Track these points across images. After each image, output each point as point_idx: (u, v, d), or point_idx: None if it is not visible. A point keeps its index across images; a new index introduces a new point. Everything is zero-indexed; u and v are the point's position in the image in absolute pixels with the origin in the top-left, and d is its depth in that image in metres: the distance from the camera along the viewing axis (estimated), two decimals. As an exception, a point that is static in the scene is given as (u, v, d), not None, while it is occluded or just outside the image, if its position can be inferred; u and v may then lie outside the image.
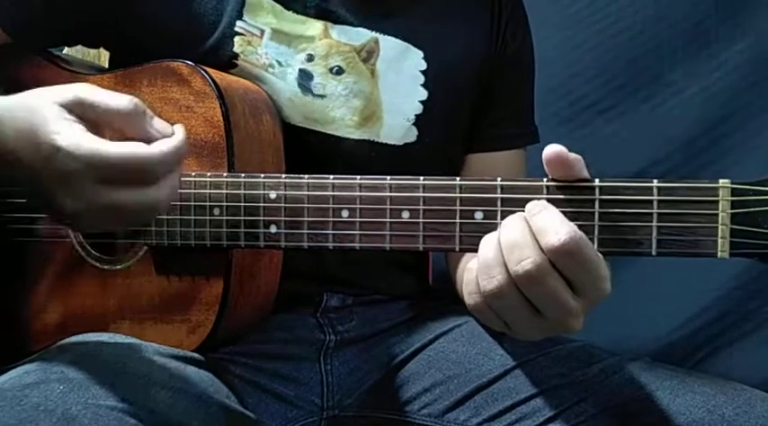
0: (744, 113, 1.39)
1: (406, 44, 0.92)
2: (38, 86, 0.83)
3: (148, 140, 0.66)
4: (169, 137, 0.67)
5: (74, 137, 0.63)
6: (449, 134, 0.96)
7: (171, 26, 0.87)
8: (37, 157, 0.63)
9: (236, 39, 0.87)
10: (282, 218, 0.73)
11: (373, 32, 0.91)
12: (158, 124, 0.68)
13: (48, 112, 0.64)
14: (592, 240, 0.63)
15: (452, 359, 0.86)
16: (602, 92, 1.41)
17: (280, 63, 0.88)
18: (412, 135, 0.92)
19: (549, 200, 0.66)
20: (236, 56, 0.87)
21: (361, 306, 0.92)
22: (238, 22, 0.87)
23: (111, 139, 0.65)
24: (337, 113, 0.89)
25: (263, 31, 0.88)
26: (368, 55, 0.90)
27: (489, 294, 0.62)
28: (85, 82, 0.82)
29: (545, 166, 0.64)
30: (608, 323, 1.34)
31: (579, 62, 1.42)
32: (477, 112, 0.98)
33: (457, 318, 0.92)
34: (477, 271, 0.63)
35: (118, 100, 0.66)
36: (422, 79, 0.92)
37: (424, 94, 0.92)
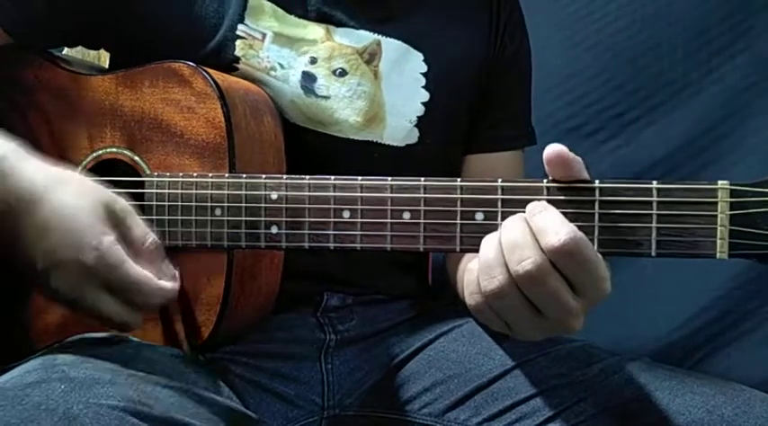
0: (743, 113, 1.39)
1: (406, 46, 0.93)
2: (38, 87, 0.84)
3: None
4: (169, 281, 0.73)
5: (111, 243, 0.68)
6: (449, 135, 0.96)
7: (172, 28, 0.87)
8: (67, 243, 0.67)
9: (238, 42, 0.87)
10: (284, 219, 0.74)
11: (375, 35, 0.91)
12: (168, 268, 0.74)
13: (94, 210, 0.69)
14: (592, 241, 0.64)
15: (452, 358, 0.86)
16: (601, 91, 1.41)
17: (282, 65, 0.88)
18: (413, 136, 0.92)
19: (549, 201, 0.66)
20: (237, 59, 0.87)
21: (362, 305, 0.93)
22: (240, 26, 0.87)
23: None
24: (341, 115, 0.89)
25: (264, 35, 0.88)
26: (370, 57, 0.91)
27: (490, 294, 0.63)
28: (88, 83, 0.83)
29: (545, 165, 0.64)
30: (608, 323, 1.34)
31: (578, 61, 1.42)
32: (475, 114, 0.98)
33: (457, 318, 0.92)
34: (479, 272, 0.64)
35: (149, 233, 0.72)
36: (423, 81, 0.93)
37: (425, 96, 0.93)
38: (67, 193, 0.69)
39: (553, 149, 0.63)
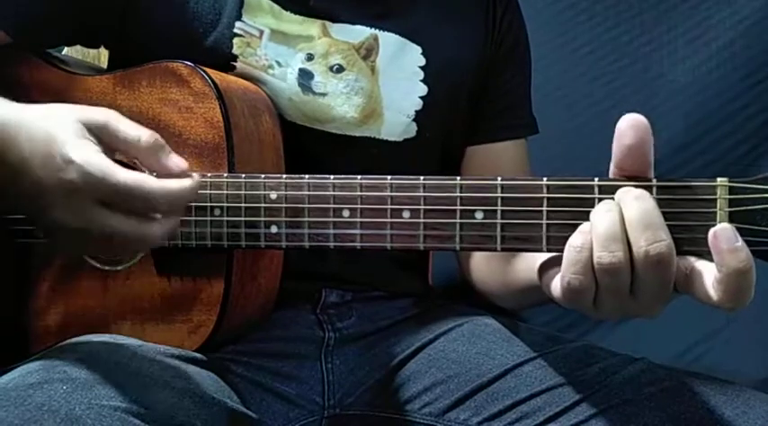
0: (743, 113, 1.39)
1: (404, 40, 0.93)
2: (37, 87, 0.84)
3: (162, 175, 0.68)
4: (182, 177, 0.68)
5: (88, 154, 0.64)
6: (448, 129, 0.97)
7: (168, 26, 0.87)
8: (47, 167, 0.64)
9: (235, 40, 0.87)
10: (283, 218, 0.74)
11: (372, 29, 0.91)
12: (173, 161, 0.69)
13: (69, 127, 0.65)
14: None
15: (453, 358, 0.86)
16: (601, 92, 1.41)
17: (279, 63, 0.88)
18: (411, 131, 0.93)
19: (548, 200, 0.66)
20: (234, 57, 0.87)
21: (361, 302, 0.93)
22: (237, 23, 0.87)
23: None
24: (339, 111, 0.89)
25: (262, 32, 0.88)
26: (367, 52, 0.91)
27: (607, 268, 0.61)
28: (85, 83, 0.83)
29: (621, 137, 0.62)
30: (605, 322, 1.35)
31: (580, 64, 1.42)
32: (475, 105, 0.98)
33: (457, 318, 0.92)
34: (594, 245, 0.62)
35: (140, 131, 0.68)
36: (421, 75, 0.93)
37: (423, 90, 0.93)
38: (38, 119, 0.66)
39: (628, 116, 0.62)
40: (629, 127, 0.62)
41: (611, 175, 0.66)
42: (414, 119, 0.93)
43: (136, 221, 0.66)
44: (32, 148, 0.65)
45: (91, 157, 0.64)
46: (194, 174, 0.69)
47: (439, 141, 0.96)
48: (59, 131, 0.65)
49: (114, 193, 0.64)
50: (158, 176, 0.67)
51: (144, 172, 0.68)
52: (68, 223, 0.65)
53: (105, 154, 0.66)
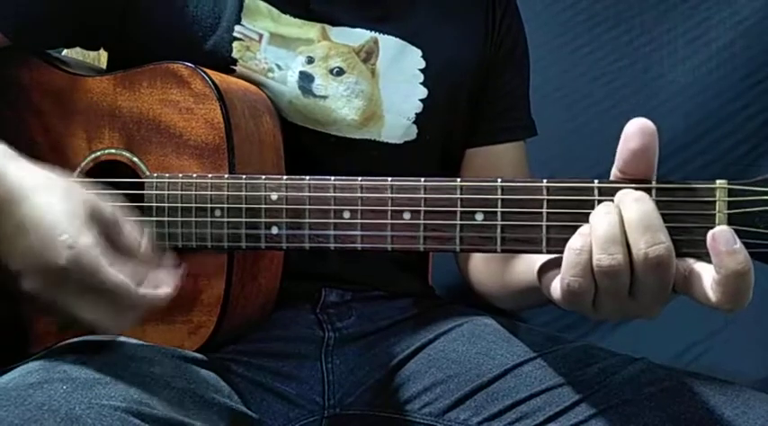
0: (743, 113, 1.39)
1: (404, 43, 0.93)
2: (37, 88, 0.84)
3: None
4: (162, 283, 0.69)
5: (87, 246, 0.64)
6: (448, 131, 0.97)
7: (168, 29, 0.87)
8: (43, 242, 0.64)
9: (235, 44, 0.87)
10: (284, 220, 0.74)
11: (372, 32, 0.91)
12: (162, 275, 0.70)
13: (78, 211, 0.66)
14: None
15: (453, 358, 0.86)
16: (601, 92, 1.42)
17: (279, 67, 0.88)
18: (412, 133, 0.93)
19: (548, 202, 0.66)
20: (234, 61, 0.87)
21: (360, 301, 0.93)
22: (237, 27, 0.87)
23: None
24: (339, 114, 0.89)
25: (261, 36, 0.88)
26: (367, 55, 0.91)
27: (606, 271, 0.61)
28: (85, 84, 0.83)
29: (627, 140, 0.62)
30: (605, 322, 1.35)
31: (580, 64, 1.42)
32: (475, 107, 0.98)
33: (457, 318, 0.92)
34: (594, 247, 0.62)
35: (142, 239, 0.69)
36: (421, 77, 0.93)
37: (423, 93, 0.93)
38: (50, 195, 0.66)
39: (636, 120, 0.62)
40: (637, 131, 0.62)
41: (612, 177, 0.66)
42: (414, 122, 0.93)
43: (109, 315, 0.66)
44: (34, 221, 0.65)
45: (88, 250, 0.64)
46: (169, 288, 0.70)
47: (439, 143, 0.96)
48: (65, 212, 0.65)
49: (98, 288, 0.65)
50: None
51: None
52: (41, 294, 0.66)
53: (100, 244, 0.66)
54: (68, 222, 0.65)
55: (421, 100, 0.93)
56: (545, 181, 0.66)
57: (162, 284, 0.69)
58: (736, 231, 0.60)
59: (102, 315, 0.66)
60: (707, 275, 0.61)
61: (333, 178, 0.72)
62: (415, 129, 0.93)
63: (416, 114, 0.93)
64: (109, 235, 0.68)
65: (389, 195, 0.71)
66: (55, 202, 0.66)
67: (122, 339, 0.74)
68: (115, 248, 0.68)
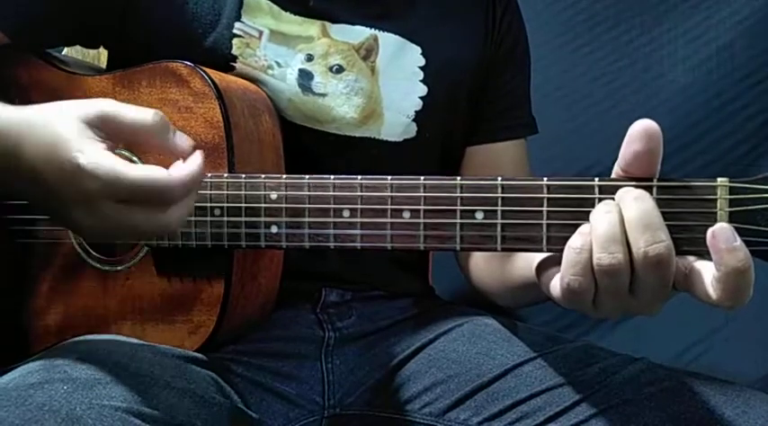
0: (743, 113, 1.39)
1: (404, 40, 0.93)
2: (36, 87, 0.84)
3: (169, 154, 0.68)
4: (187, 159, 0.67)
5: (96, 157, 0.63)
6: (448, 129, 0.97)
7: (168, 26, 0.87)
8: (57, 174, 0.64)
9: (235, 41, 0.87)
10: (284, 219, 0.74)
11: (372, 30, 0.91)
12: (180, 139, 0.68)
13: (70, 129, 0.65)
14: None
15: (453, 358, 0.86)
16: (601, 92, 1.42)
17: (279, 64, 0.88)
18: (411, 131, 0.93)
19: (549, 200, 0.66)
20: (234, 58, 0.87)
21: (361, 301, 0.93)
22: (237, 24, 0.87)
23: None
24: (338, 112, 0.89)
25: (261, 33, 0.88)
26: (367, 52, 0.91)
27: (606, 270, 0.61)
28: (84, 83, 0.83)
29: (631, 142, 0.62)
30: (603, 322, 1.35)
31: (580, 64, 1.42)
32: (475, 105, 0.98)
33: (457, 318, 0.92)
34: (594, 246, 0.62)
35: (143, 114, 0.67)
36: (421, 75, 0.93)
37: (423, 90, 0.93)
38: (39, 128, 0.65)
39: (642, 122, 0.61)
40: (641, 133, 0.62)
41: (614, 175, 0.66)
42: (413, 120, 0.93)
43: (153, 213, 0.65)
44: (39, 157, 0.64)
45: (99, 160, 0.63)
46: (198, 152, 0.68)
47: (439, 141, 0.96)
48: (62, 135, 0.64)
49: (130, 191, 0.64)
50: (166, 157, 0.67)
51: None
52: (90, 223, 0.65)
53: (111, 147, 0.66)
54: (67, 143, 0.64)
55: (421, 97, 0.93)
56: (545, 179, 0.66)
57: (188, 148, 0.67)
58: (738, 229, 0.60)
59: (152, 215, 0.65)
60: (707, 272, 0.61)
61: (332, 177, 0.72)
62: (414, 127, 0.93)
63: (416, 112, 0.93)
64: (114, 131, 0.66)
65: (389, 194, 0.70)
66: (49, 132, 0.64)
67: (122, 339, 0.74)
68: (128, 138, 0.67)
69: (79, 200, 0.64)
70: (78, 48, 0.96)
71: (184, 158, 0.67)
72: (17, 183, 0.67)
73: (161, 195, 0.65)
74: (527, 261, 0.80)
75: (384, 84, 0.91)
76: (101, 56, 0.99)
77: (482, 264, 0.97)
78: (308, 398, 0.87)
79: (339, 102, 0.89)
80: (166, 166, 0.78)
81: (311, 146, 0.89)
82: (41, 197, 0.66)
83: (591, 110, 1.41)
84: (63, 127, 0.65)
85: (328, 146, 0.89)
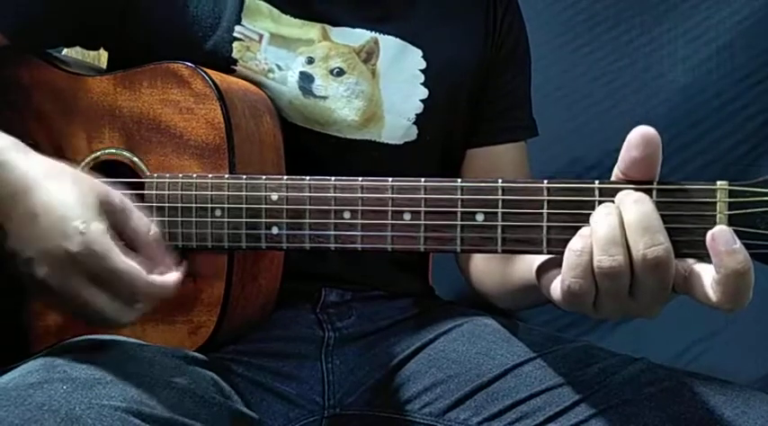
0: (743, 113, 1.39)
1: (404, 43, 0.93)
2: (37, 88, 0.84)
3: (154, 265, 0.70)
4: (168, 273, 0.70)
5: (97, 233, 0.65)
6: (448, 131, 0.97)
7: (168, 29, 0.87)
8: (54, 229, 0.65)
9: (235, 44, 0.87)
10: (284, 220, 0.74)
11: (372, 33, 0.91)
12: (168, 259, 0.71)
13: (88, 200, 0.67)
14: None
15: (453, 358, 0.86)
16: (601, 92, 1.42)
17: (279, 67, 0.88)
18: (412, 134, 0.93)
19: (549, 202, 0.66)
20: (234, 61, 0.87)
21: (361, 301, 0.93)
22: (237, 27, 0.87)
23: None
24: (339, 115, 0.89)
25: (261, 36, 0.88)
26: (368, 55, 0.91)
27: (607, 272, 0.62)
28: (85, 83, 0.83)
29: (630, 148, 0.62)
30: (603, 321, 1.35)
31: (580, 64, 1.43)
32: (475, 107, 0.98)
33: (457, 318, 0.92)
34: (594, 249, 0.62)
35: (150, 224, 0.70)
36: (422, 78, 0.93)
37: (424, 93, 0.93)
38: (60, 183, 0.67)
39: (641, 129, 0.62)
40: (640, 140, 0.62)
41: (613, 177, 0.66)
42: (414, 123, 0.93)
43: (117, 304, 0.67)
44: (46, 208, 0.66)
45: (99, 236, 0.65)
46: (177, 273, 0.71)
47: (439, 144, 0.96)
48: (77, 200, 0.66)
49: (108, 275, 0.66)
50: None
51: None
52: (50, 282, 0.66)
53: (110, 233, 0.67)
54: (79, 209, 0.66)
55: (421, 100, 0.93)
56: (545, 181, 0.66)
57: (169, 273, 0.70)
58: (737, 232, 0.60)
59: (112, 304, 0.67)
60: (707, 275, 0.62)
61: (333, 178, 0.72)
62: (415, 130, 0.93)
63: (417, 115, 0.93)
64: (117, 222, 0.69)
65: (390, 195, 0.71)
66: (65, 189, 0.67)
67: (122, 339, 0.74)
68: (123, 236, 0.69)
69: (58, 260, 0.65)
70: (78, 49, 0.96)
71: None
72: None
73: (130, 290, 0.67)
74: (527, 264, 0.80)
75: (385, 87, 0.91)
76: (101, 57, 0.99)
77: (482, 267, 0.97)
78: (308, 398, 0.87)
79: (340, 105, 0.89)
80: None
81: (312, 148, 0.89)
82: (24, 241, 0.66)
83: (591, 110, 1.41)
84: (83, 196, 0.67)
85: (329, 148, 0.89)
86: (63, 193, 0.66)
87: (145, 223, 0.71)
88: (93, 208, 0.67)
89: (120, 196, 0.70)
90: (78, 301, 0.66)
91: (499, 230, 0.68)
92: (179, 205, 0.77)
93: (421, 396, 0.86)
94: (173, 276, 0.70)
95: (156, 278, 0.68)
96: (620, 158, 0.64)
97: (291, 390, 0.86)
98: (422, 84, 0.93)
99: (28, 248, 0.66)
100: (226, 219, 0.75)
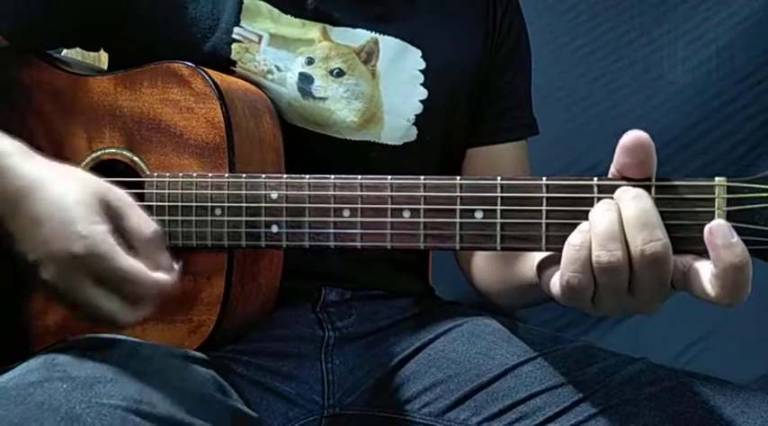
0: (743, 113, 1.39)
1: (404, 44, 0.93)
2: (35, 88, 0.84)
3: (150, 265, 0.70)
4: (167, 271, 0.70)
5: (99, 234, 0.66)
6: (448, 131, 0.97)
7: (168, 30, 0.87)
8: (56, 231, 0.66)
9: (234, 46, 0.87)
10: (284, 218, 0.74)
11: (372, 33, 0.91)
12: (167, 258, 0.71)
13: (89, 201, 0.68)
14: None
15: (453, 358, 0.86)
16: (601, 92, 1.42)
17: (278, 68, 0.88)
18: (411, 134, 0.93)
19: (548, 199, 0.66)
20: (233, 63, 0.87)
21: (360, 301, 0.93)
22: (236, 29, 0.87)
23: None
24: (339, 116, 0.89)
25: (260, 37, 0.88)
26: (368, 56, 0.91)
27: (605, 267, 0.62)
28: (86, 83, 0.83)
29: (619, 155, 0.63)
30: (603, 320, 1.35)
31: (580, 64, 1.43)
32: (475, 107, 0.98)
33: (457, 318, 0.92)
34: (593, 244, 0.63)
35: (151, 224, 0.70)
36: (421, 78, 0.93)
37: (423, 94, 0.93)
38: (62, 186, 0.68)
39: (632, 135, 0.62)
40: (631, 146, 0.63)
41: (610, 175, 0.66)
42: (414, 123, 0.93)
43: (120, 304, 0.68)
44: (49, 212, 0.67)
45: (102, 238, 0.66)
46: (174, 273, 0.71)
47: (439, 144, 0.96)
48: (79, 202, 0.67)
49: (113, 275, 0.66)
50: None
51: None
52: (55, 283, 0.67)
53: (111, 231, 0.68)
54: (82, 212, 0.66)
55: (421, 101, 0.93)
56: (544, 178, 0.67)
57: (167, 270, 0.70)
58: (735, 228, 0.60)
59: (117, 304, 0.67)
60: (705, 270, 0.62)
61: (333, 177, 0.72)
62: (414, 131, 0.93)
63: (416, 115, 0.93)
64: (119, 221, 0.69)
65: (389, 193, 0.71)
66: (68, 193, 0.67)
67: (122, 337, 0.74)
68: (124, 235, 0.69)
69: (62, 260, 0.66)
70: (78, 49, 0.96)
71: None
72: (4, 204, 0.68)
73: (132, 288, 0.67)
74: (527, 262, 0.80)
75: (384, 87, 0.91)
76: (101, 57, 0.99)
77: (483, 265, 0.97)
78: (308, 398, 0.87)
79: (339, 106, 0.89)
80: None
81: (311, 149, 0.89)
82: (29, 244, 0.67)
83: (591, 111, 1.41)
84: (84, 197, 0.68)
85: (328, 149, 0.89)
86: (65, 197, 0.67)
87: (146, 221, 0.71)
88: (95, 209, 0.67)
89: (121, 194, 0.70)
90: (85, 303, 0.67)
91: (498, 227, 0.68)
92: (179, 204, 0.77)
93: (421, 396, 0.85)
94: (171, 276, 0.70)
95: (160, 276, 0.69)
96: (614, 160, 0.65)
97: (291, 389, 0.86)
98: (421, 84, 0.93)
99: (33, 251, 0.67)
100: (225, 218, 0.75)
